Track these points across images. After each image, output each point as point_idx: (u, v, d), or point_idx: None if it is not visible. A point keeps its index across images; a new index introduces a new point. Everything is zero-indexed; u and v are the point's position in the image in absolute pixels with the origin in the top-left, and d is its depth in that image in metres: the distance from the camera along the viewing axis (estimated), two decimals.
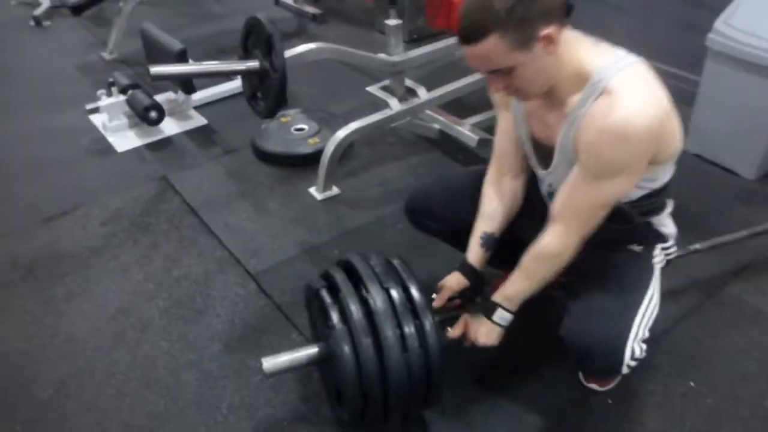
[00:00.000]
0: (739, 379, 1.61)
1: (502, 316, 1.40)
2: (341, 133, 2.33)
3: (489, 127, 2.20)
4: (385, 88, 2.53)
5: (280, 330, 1.83)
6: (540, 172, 1.43)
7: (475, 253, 1.51)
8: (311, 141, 2.62)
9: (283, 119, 2.75)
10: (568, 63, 1.19)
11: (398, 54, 2.37)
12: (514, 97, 1.34)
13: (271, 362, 1.39)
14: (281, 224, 2.28)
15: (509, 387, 1.61)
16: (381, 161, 2.60)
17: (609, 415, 1.54)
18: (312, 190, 2.42)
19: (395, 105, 2.41)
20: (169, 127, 2.88)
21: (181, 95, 2.97)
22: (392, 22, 2.33)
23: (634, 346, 1.30)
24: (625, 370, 1.32)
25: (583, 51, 1.21)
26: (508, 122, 1.45)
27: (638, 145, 1.16)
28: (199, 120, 2.96)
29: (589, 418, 1.54)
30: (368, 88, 2.58)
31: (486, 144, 2.37)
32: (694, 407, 1.54)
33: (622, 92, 1.14)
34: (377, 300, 1.32)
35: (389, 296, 1.34)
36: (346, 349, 1.30)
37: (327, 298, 1.40)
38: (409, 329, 1.31)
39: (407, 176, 2.50)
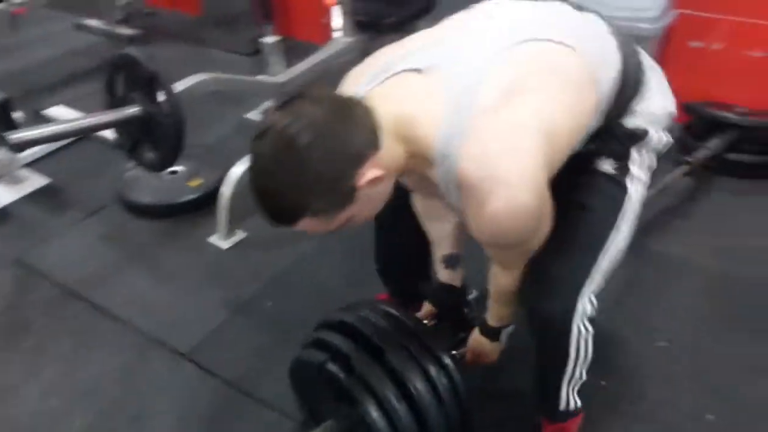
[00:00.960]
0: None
1: (505, 333, 1.36)
2: (237, 169, 2.06)
3: None
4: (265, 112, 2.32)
5: (246, 412, 1.57)
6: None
7: (446, 275, 1.43)
8: (193, 183, 2.30)
9: None
10: (398, 157, 0.97)
11: (282, 73, 2.16)
12: None
13: None
14: (192, 286, 1.98)
15: None
16: None
17: None
18: (213, 239, 2.13)
19: None
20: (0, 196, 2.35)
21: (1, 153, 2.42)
22: (270, 39, 2.13)
23: (585, 305, 1.15)
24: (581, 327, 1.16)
25: (404, 130, 0.96)
26: None
27: (534, 213, 0.97)
28: (37, 180, 2.44)
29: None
30: (247, 115, 2.34)
31: None
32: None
33: (480, 185, 0.92)
34: (399, 362, 1.18)
35: (407, 350, 1.21)
36: (379, 417, 1.15)
37: (338, 372, 1.22)
38: (436, 374, 1.20)
39: None
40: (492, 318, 1.33)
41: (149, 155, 1.77)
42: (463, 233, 1.31)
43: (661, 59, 2.46)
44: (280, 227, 0.96)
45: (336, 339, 1.25)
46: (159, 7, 3.96)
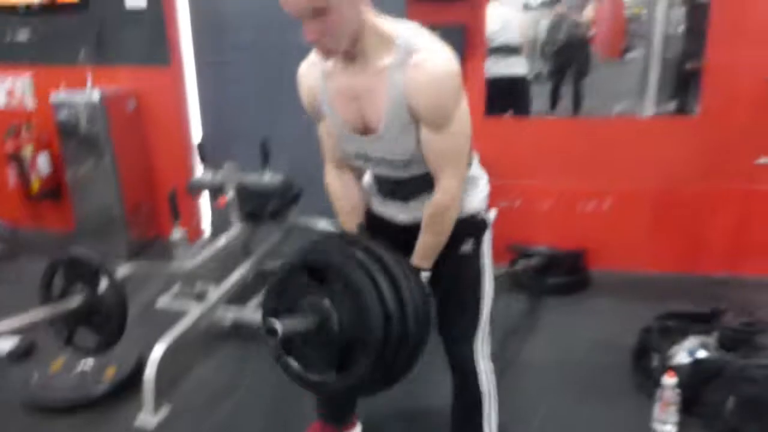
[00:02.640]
0: None
1: (424, 277, 1.53)
2: (157, 352, 2.26)
3: None
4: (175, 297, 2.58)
5: None
6: (367, 147, 1.50)
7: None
8: (108, 371, 2.41)
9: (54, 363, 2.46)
10: (371, 26, 1.34)
11: (190, 260, 2.50)
12: (324, 55, 1.39)
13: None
14: None
15: None
16: (189, 366, 2.56)
17: None
18: (140, 420, 2.23)
19: (195, 307, 2.49)
20: None
21: None
22: (178, 233, 2.48)
23: (483, 364, 1.65)
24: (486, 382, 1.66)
25: (379, 19, 1.37)
26: (325, 127, 1.59)
27: (457, 81, 1.36)
28: None
29: None
30: (159, 305, 2.58)
31: None
32: None
33: (429, 48, 1.34)
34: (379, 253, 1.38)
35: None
36: (367, 279, 1.31)
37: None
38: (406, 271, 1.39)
39: (224, 368, 2.55)
40: (416, 256, 1.53)
41: (88, 341, 1.95)
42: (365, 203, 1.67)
43: None
44: None
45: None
46: (24, 226, 4.04)
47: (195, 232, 3.92)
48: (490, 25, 3.12)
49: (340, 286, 1.32)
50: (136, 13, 3.50)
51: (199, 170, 2.97)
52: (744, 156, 2.87)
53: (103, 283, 1.91)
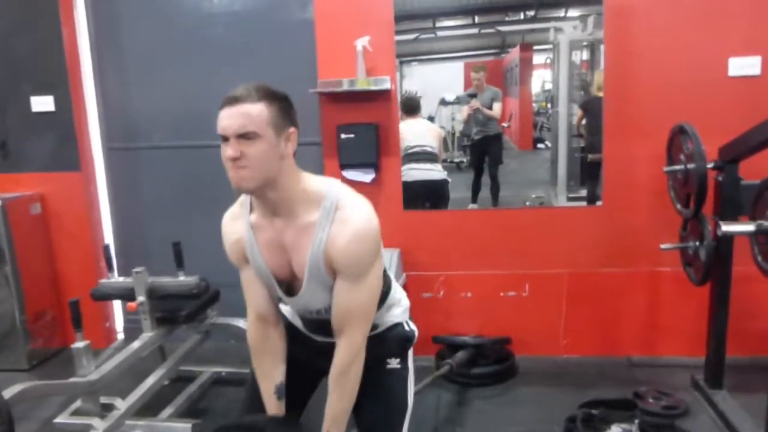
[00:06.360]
0: None
1: None
2: None
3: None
4: (76, 413, 2.36)
5: None
6: (289, 300, 1.57)
7: (276, 406, 1.60)
8: None
9: None
10: (297, 179, 1.42)
11: (92, 373, 2.32)
12: (235, 180, 1.38)
13: None
14: None
15: None
16: None
17: None
18: None
19: (99, 424, 2.29)
20: None
21: None
22: (81, 344, 2.31)
23: None
24: None
25: (306, 175, 1.47)
26: (251, 273, 1.57)
27: (377, 238, 1.45)
28: None
29: None
30: (57, 420, 2.35)
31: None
32: None
33: (352, 205, 1.42)
34: None
35: None
36: None
37: None
38: None
39: None
40: (327, 420, 1.51)
41: None
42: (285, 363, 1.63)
43: None
44: (236, 105, 1.33)
45: None
46: None
47: (107, 337, 3.71)
48: (404, 134, 3.27)
49: None
50: (44, 116, 3.43)
51: (108, 276, 2.83)
52: (648, 241, 3.02)
53: None
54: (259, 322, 1.62)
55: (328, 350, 1.53)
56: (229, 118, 1.33)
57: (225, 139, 1.34)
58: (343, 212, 1.40)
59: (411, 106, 3.49)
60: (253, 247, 1.51)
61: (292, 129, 1.40)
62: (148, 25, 3.46)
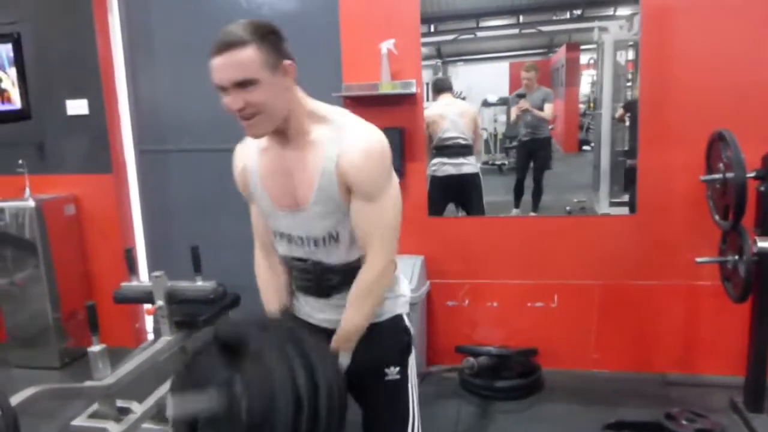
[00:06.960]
0: None
1: (344, 356, 1.49)
2: None
3: None
4: (93, 416, 2.39)
5: None
6: (292, 220, 1.49)
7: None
8: None
9: None
10: (303, 103, 1.40)
11: (108, 377, 2.34)
12: (250, 132, 1.37)
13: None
14: None
15: None
16: None
17: None
18: None
19: (114, 428, 2.30)
20: None
21: None
22: (96, 348, 2.33)
23: None
24: None
25: (311, 99, 1.44)
26: (256, 209, 1.60)
27: (389, 154, 1.41)
28: None
29: None
30: (74, 422, 2.38)
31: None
32: None
33: (361, 124, 1.41)
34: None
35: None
36: (281, 360, 1.22)
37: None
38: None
39: None
40: (337, 336, 1.48)
41: None
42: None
43: (429, 317, 3.15)
44: (225, 53, 1.28)
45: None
46: None
47: (137, 338, 3.77)
48: (437, 119, 3.16)
49: (253, 366, 1.23)
50: (79, 119, 3.51)
51: (130, 279, 2.87)
52: (685, 253, 2.86)
53: None
54: (264, 253, 1.66)
55: (329, 335, 1.50)
56: (222, 70, 1.29)
57: (223, 89, 1.31)
58: (353, 129, 1.39)
59: (441, 86, 3.39)
60: (255, 174, 1.50)
61: (287, 62, 1.35)
62: (178, 31, 3.50)
